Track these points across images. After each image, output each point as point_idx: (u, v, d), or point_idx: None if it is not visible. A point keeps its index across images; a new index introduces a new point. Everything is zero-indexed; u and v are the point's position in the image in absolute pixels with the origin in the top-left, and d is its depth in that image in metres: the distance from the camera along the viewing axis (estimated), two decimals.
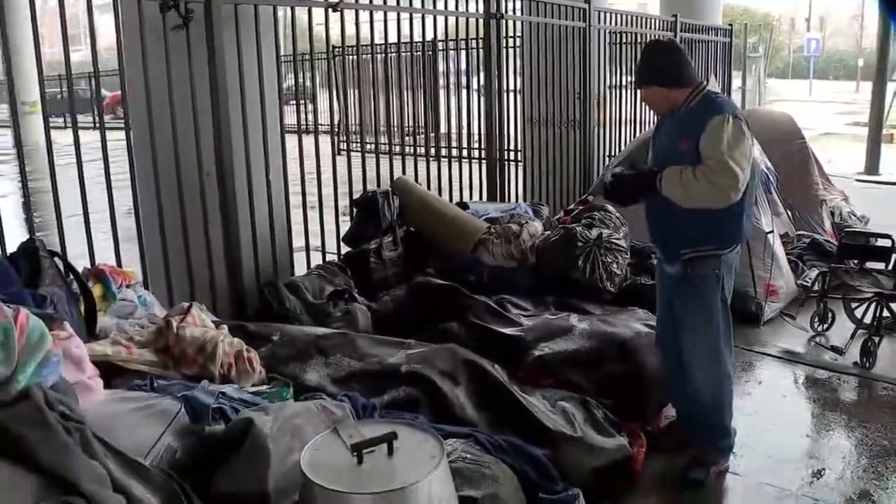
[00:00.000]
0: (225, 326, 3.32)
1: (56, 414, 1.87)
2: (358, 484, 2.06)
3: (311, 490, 2.09)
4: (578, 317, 4.11)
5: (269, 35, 4.32)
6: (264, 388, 3.11)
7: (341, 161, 5.11)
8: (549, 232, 5.06)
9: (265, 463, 2.37)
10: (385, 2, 5.04)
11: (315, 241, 4.89)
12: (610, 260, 4.74)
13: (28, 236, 3.19)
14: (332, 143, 8.69)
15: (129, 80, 3.82)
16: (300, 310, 4.22)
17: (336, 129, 9.85)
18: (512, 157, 7.32)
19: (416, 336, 3.79)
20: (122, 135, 3.93)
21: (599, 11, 7.46)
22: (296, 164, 4.53)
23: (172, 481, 2.08)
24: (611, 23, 7.79)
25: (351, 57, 11.25)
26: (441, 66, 6.59)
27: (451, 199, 5.71)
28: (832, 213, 7.24)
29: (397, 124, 5.25)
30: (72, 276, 3.20)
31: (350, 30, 4.79)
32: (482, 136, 6.36)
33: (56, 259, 3.16)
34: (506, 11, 6.10)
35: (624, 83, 8.40)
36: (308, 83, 14.43)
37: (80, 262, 3.42)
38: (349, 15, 4.76)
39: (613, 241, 4.83)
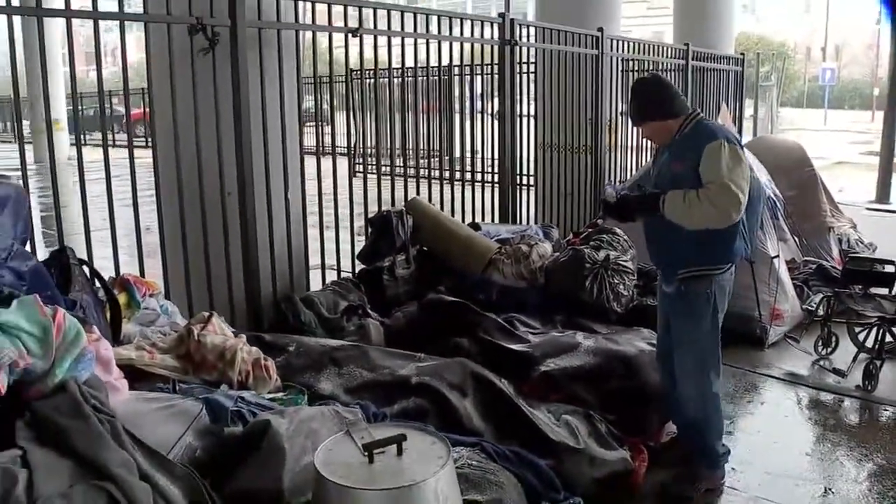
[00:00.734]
0: (243, 336, 3.46)
1: (89, 406, 2.01)
2: (369, 481, 2.19)
3: (325, 487, 2.21)
4: (584, 335, 4.23)
5: (291, 58, 4.50)
6: (280, 395, 3.24)
7: (358, 182, 5.26)
8: (558, 253, 5.19)
9: (281, 462, 2.50)
10: (403, 28, 5.22)
11: (330, 260, 5.04)
12: (617, 281, 4.86)
13: (48, 248, 3.35)
14: (349, 165, 8.90)
15: (155, 100, 3.99)
16: (315, 323, 4.36)
17: (353, 152, 10.07)
18: (524, 180, 7.47)
19: (427, 350, 3.91)
20: (143, 152, 4.09)
21: (612, 39, 7.64)
22: (312, 184, 4.68)
23: (193, 475, 2.21)
24: (623, 50, 7.95)
25: (369, 80, 11.54)
26: (456, 91, 6.76)
27: (463, 221, 5.85)
28: (840, 241, 7.33)
29: (412, 147, 5.38)
30: (99, 285, 3.34)
31: (368, 54, 4.95)
32: (495, 160, 6.52)
33: (84, 268, 3.31)
34: (520, 38, 6.28)
35: None
36: (326, 105, 14.80)
37: (104, 274, 3.57)
38: (368, 39, 4.93)
39: (621, 262, 4.95)
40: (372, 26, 4.91)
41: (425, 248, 5.28)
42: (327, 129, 11.73)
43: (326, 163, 4.80)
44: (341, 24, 4.83)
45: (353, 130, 5.15)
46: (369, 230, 5.11)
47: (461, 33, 5.81)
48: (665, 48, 9.20)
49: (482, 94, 7.18)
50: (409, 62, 5.48)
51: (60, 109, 19.19)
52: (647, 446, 3.65)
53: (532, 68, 7.63)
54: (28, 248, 3.02)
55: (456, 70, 6.11)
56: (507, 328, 4.28)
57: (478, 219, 6.25)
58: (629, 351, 4.01)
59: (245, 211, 4.25)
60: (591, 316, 4.70)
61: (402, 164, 5.49)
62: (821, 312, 5.32)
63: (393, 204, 5.20)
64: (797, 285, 6.04)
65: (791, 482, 3.62)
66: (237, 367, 3.18)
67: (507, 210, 6.46)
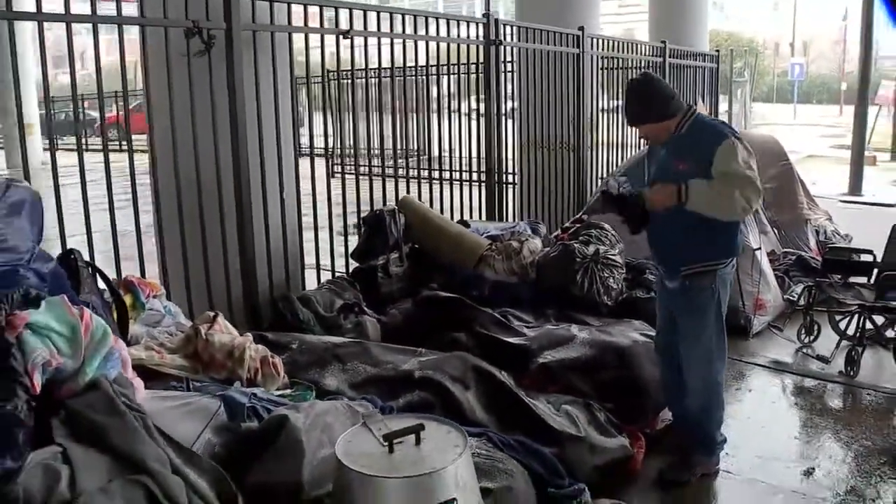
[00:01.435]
0: (249, 335, 3.52)
1: (122, 403, 2.07)
2: (391, 470, 2.26)
3: (348, 476, 2.29)
4: (578, 327, 4.34)
5: (284, 60, 4.55)
6: (288, 391, 3.31)
7: (335, 183, 5.28)
8: (548, 249, 5.29)
9: (300, 455, 2.56)
10: (392, 29, 5.29)
11: (322, 259, 5.08)
12: (606, 275, 4.97)
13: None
14: (327, 166, 8.91)
15: (153, 102, 4.02)
16: (313, 322, 4.41)
17: (330, 153, 10.10)
18: (507, 178, 7.55)
19: (425, 346, 3.98)
20: (117, 156, 4.04)
21: (592, 38, 7.76)
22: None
23: (219, 469, 2.27)
24: (602, 49, 8.08)
25: (346, 81, 11.58)
26: (435, 91, 6.85)
27: (451, 219, 5.92)
28: (817, 232, 7.51)
29: (391, 147, 5.41)
30: (105, 286, 3.38)
31: (346, 55, 5.00)
32: (476, 159, 6.61)
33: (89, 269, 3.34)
34: (504, 38, 6.37)
35: (614, 107, 8.71)
36: (302, 108, 14.77)
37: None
38: (345, 40, 4.97)
39: (609, 256, 5.06)
40: (362, 28, 4.97)
41: (416, 246, 5.36)
42: (304, 131, 11.74)
43: (304, 163, 4.83)
44: (318, 24, 4.87)
45: (330, 131, 5.16)
46: (363, 229, 5.17)
47: (448, 34, 5.88)
48: (643, 46, 9.35)
49: (458, 93, 7.24)
50: (386, 63, 5.53)
51: (33, 114, 18.98)
52: (643, 433, 3.76)
53: (511, 67, 7.73)
54: None
55: (434, 70, 6.19)
56: (503, 322, 4.37)
57: (459, 217, 6.32)
58: (623, 342, 4.12)
59: (242, 211, 4.30)
60: (582, 309, 4.81)
61: (380, 165, 5.54)
62: (802, 302, 5.48)
63: (372, 204, 5.25)
64: (778, 276, 6.20)
65: (781, 464, 3.75)
66: (246, 365, 3.24)
67: (493, 207, 6.56)
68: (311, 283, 5.00)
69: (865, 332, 4.99)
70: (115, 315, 3.32)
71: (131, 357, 3.01)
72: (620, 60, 8.66)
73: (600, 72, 8.17)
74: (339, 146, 12.66)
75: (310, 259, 4.92)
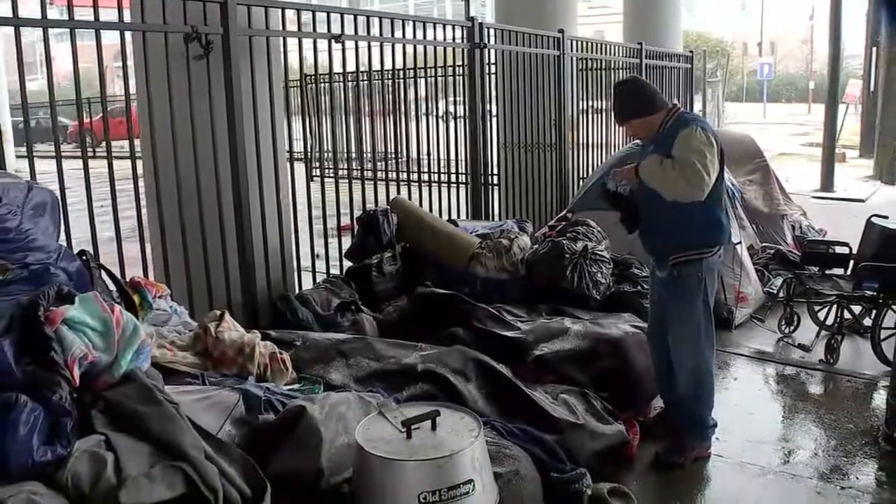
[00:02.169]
0: (257, 331, 3.61)
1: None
2: (411, 454, 2.38)
3: (369, 461, 2.40)
4: (571, 320, 4.47)
5: (279, 64, 4.65)
6: (296, 386, 3.40)
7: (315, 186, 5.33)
8: (537, 246, 5.42)
9: (318, 444, 2.66)
10: (381, 33, 5.40)
11: (303, 261, 5.16)
12: (595, 270, 5.11)
13: None
14: (307, 169, 8.95)
15: (154, 107, 4.09)
16: (311, 320, 4.51)
17: (310, 156, 10.16)
18: (492, 180, 7.68)
19: (423, 341, 4.10)
20: (95, 163, 4.04)
21: (572, 40, 7.92)
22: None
23: (247, 458, 2.37)
24: (581, 50, 8.25)
25: (324, 85, 11.66)
26: (417, 93, 6.96)
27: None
28: (793, 227, 7.73)
29: (371, 150, 5.48)
30: (114, 287, 3.45)
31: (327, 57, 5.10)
32: (455, 161, 6.72)
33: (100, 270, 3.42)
34: (487, 41, 6.50)
35: (594, 108, 8.89)
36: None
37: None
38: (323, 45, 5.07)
39: (597, 252, 5.21)
40: (353, 32, 5.08)
41: (407, 245, 5.46)
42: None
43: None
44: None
45: (309, 135, 5.26)
46: (356, 228, 5.28)
47: (434, 37, 6.00)
48: (621, 47, 9.54)
49: (436, 96, 7.35)
50: (364, 67, 5.61)
51: (5, 120, 18.83)
52: (637, 421, 3.91)
53: (492, 69, 7.87)
54: None
55: (416, 73, 6.29)
56: (498, 317, 4.49)
57: (445, 217, 6.44)
58: (615, 334, 4.25)
59: (241, 213, 4.38)
60: (572, 303, 4.94)
61: (359, 168, 5.64)
62: (782, 294, 5.67)
63: (351, 206, 5.34)
64: (758, 269, 6.38)
65: (770, 447, 3.92)
66: (256, 361, 3.33)
67: (479, 207, 6.69)
68: (307, 283, 5.10)
69: (844, 321, 5.18)
70: None
71: None
72: (599, 62, 8.84)
73: (579, 73, 8.34)
74: (317, 150, 12.80)
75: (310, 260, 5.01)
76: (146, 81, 4.04)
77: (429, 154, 6.82)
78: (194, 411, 2.68)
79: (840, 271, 5.58)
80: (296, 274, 4.94)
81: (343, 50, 5.09)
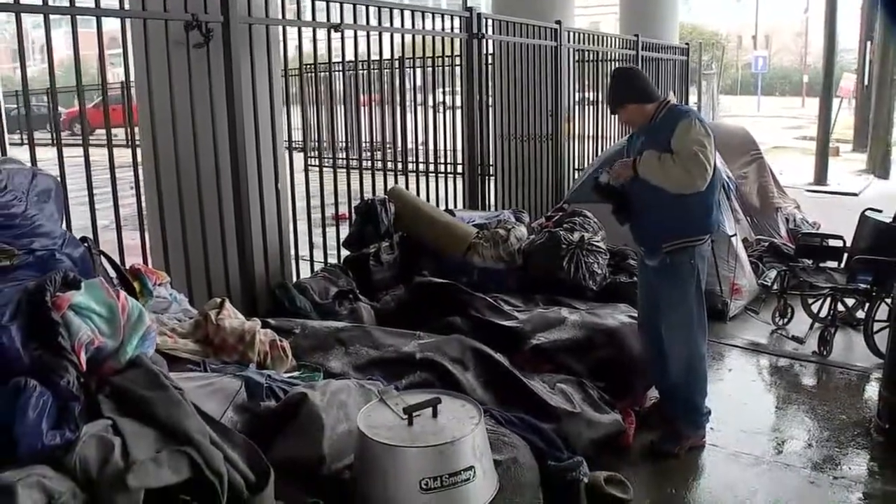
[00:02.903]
0: (257, 319, 3.63)
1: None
2: (413, 440, 2.41)
3: (371, 448, 2.43)
4: (568, 310, 4.51)
5: (278, 52, 4.65)
6: (296, 373, 3.42)
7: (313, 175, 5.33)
8: (534, 236, 5.45)
9: (320, 430, 2.69)
10: (381, 23, 5.41)
11: (301, 251, 5.18)
12: (591, 260, 5.14)
13: None
14: (305, 159, 8.94)
15: (154, 94, 4.09)
16: (309, 309, 4.53)
17: (309, 145, 10.16)
18: (487, 170, 7.69)
19: (421, 330, 4.13)
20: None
21: (569, 31, 7.93)
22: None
23: (251, 443, 2.39)
24: (578, 42, 8.26)
25: (323, 74, 11.62)
26: (415, 82, 6.96)
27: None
28: (787, 220, 7.78)
29: (368, 139, 5.49)
30: (114, 274, 3.46)
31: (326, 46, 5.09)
32: (453, 150, 6.71)
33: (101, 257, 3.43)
34: (485, 31, 6.50)
35: (590, 99, 8.91)
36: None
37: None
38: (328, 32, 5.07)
39: (594, 243, 5.24)
40: (352, 21, 5.08)
41: (405, 235, 5.48)
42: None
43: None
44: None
45: (307, 125, 5.25)
46: (354, 217, 5.29)
47: (433, 27, 6.00)
48: (617, 39, 9.55)
49: (433, 85, 7.36)
50: (361, 56, 5.61)
51: None
52: (633, 410, 3.95)
53: (490, 60, 7.87)
54: None
55: (412, 63, 6.29)
56: (495, 306, 4.52)
57: (443, 207, 6.45)
58: (611, 324, 4.30)
59: (240, 201, 4.39)
60: (568, 293, 4.97)
61: (356, 157, 5.64)
62: (777, 286, 5.72)
63: (349, 197, 5.35)
64: (752, 262, 6.43)
65: (764, 437, 3.97)
66: (256, 349, 3.35)
67: (476, 198, 6.71)
68: (304, 272, 5.11)
69: (837, 313, 5.23)
70: None
71: None
72: (595, 53, 8.85)
73: (576, 64, 8.35)
74: (315, 139, 12.78)
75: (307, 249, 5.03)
76: (146, 70, 4.04)
77: (426, 144, 6.82)
78: (197, 397, 2.70)
79: (834, 264, 5.63)
80: (294, 262, 4.94)
81: (342, 39, 5.08)
